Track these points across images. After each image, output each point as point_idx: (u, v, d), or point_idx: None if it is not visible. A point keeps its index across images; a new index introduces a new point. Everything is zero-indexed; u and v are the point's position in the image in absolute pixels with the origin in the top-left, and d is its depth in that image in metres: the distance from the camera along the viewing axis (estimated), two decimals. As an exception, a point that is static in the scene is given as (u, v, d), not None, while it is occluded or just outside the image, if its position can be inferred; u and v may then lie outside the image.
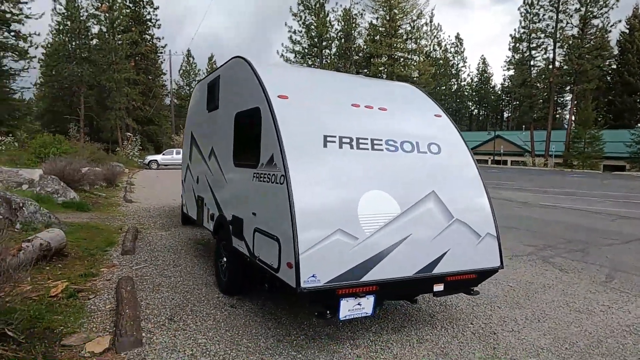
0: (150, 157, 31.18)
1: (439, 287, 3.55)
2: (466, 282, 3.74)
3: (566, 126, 52.94)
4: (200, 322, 3.81)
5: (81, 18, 41.05)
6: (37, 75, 47.80)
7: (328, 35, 51.78)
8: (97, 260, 5.71)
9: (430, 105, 4.61)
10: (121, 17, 41.91)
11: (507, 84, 74.69)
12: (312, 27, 51.10)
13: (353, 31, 52.29)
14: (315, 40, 51.62)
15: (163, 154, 31.09)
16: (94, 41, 41.58)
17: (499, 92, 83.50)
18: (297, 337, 3.61)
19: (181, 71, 63.53)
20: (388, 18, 49.15)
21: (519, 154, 54.45)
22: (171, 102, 46.68)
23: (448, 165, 4.00)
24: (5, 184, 10.85)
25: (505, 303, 4.81)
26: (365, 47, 52.46)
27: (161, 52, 50.39)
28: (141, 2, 47.94)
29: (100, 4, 39.89)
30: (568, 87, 52.51)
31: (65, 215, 8.61)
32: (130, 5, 47.07)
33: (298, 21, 51.31)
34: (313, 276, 2.96)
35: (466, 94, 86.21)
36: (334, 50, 54.51)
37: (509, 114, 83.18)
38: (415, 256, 3.39)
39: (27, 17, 32.08)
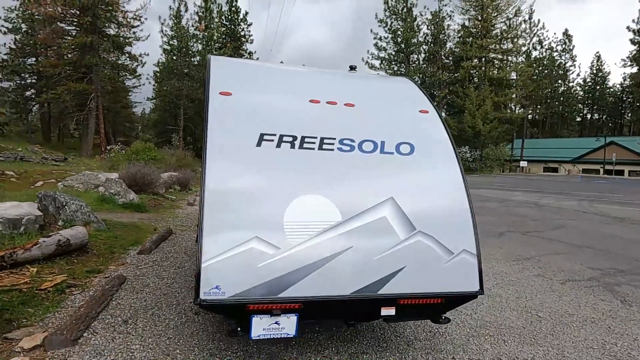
0: None
1: (388, 311, 3.00)
2: (429, 308, 3.12)
3: None
4: (150, 328, 3.71)
5: (184, 37, 45.36)
6: (152, 91, 53.97)
7: (415, 40, 50.29)
8: (113, 258, 5.99)
9: (418, 99, 4.01)
10: (216, 34, 45.31)
11: (627, 83, 65.66)
12: (399, 32, 50.05)
13: (441, 34, 50.14)
14: (402, 45, 50.43)
15: None
16: (197, 58, 45.51)
17: (619, 93, 73.41)
18: (235, 353, 3.31)
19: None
20: (480, 18, 46.26)
21: (638, 162, 47.10)
22: None
23: (420, 169, 3.41)
24: (85, 185, 12.19)
25: (517, 337, 3.97)
26: (455, 49, 49.94)
27: (254, 66, 53.43)
28: (236, 20, 51.55)
29: (198, 24, 43.63)
30: None
31: (121, 214, 9.32)
32: (227, 23, 50.87)
33: (384, 27, 50.71)
34: (216, 287, 2.66)
35: (577, 96, 77.12)
36: (422, 55, 52.81)
37: (630, 118, 72.63)
38: (355, 272, 2.90)
39: (136, 39, 36.43)
